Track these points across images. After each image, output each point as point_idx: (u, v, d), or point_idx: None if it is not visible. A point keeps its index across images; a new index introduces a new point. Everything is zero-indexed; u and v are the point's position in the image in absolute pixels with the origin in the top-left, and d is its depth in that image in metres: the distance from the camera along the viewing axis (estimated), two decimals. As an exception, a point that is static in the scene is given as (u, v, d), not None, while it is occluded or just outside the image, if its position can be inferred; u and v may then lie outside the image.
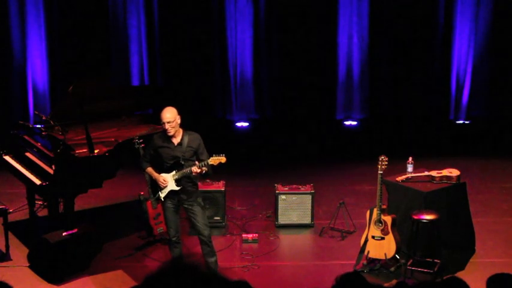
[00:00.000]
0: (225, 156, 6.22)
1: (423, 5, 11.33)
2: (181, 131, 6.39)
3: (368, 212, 6.84)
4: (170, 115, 6.28)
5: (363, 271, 6.80)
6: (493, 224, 8.05)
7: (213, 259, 6.57)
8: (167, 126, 6.27)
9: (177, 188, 6.37)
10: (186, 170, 6.29)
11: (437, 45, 11.45)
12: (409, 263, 6.69)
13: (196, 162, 6.30)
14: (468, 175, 8.19)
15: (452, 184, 7.16)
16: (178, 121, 6.34)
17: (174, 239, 6.52)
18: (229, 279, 3.09)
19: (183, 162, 6.32)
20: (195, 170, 6.24)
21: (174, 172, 6.36)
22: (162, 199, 6.44)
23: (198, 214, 6.46)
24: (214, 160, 6.22)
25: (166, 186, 6.37)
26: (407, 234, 6.83)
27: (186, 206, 6.49)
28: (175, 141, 6.36)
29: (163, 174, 6.39)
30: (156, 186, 6.46)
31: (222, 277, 3.00)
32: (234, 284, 3.20)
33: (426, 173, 7.28)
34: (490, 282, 3.84)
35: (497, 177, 9.63)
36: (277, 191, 7.99)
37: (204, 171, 6.30)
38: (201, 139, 6.45)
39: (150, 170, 6.50)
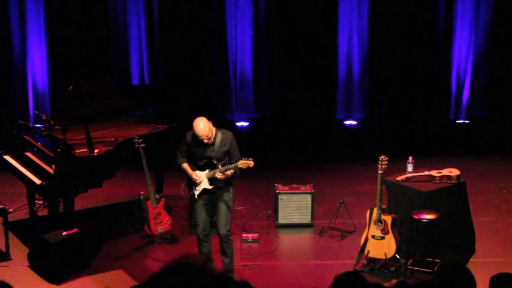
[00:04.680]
0: (253, 161, 6.14)
1: (423, 5, 11.34)
2: (214, 130, 6.30)
3: (368, 212, 6.84)
4: (204, 128, 6.13)
5: (363, 271, 6.80)
6: (493, 223, 8.05)
7: (226, 260, 6.55)
8: (205, 140, 6.17)
9: (210, 187, 6.33)
10: (214, 171, 6.25)
11: (437, 45, 11.46)
12: (409, 263, 6.69)
13: (219, 167, 6.24)
14: (468, 175, 8.18)
15: (453, 184, 7.15)
16: (212, 127, 6.22)
17: (200, 236, 6.47)
18: (231, 279, 3.09)
19: (215, 162, 6.27)
20: (219, 176, 6.23)
21: (207, 171, 6.32)
22: (196, 196, 6.39)
23: (221, 210, 6.40)
24: (243, 164, 6.14)
25: (200, 183, 6.33)
26: (408, 233, 6.83)
27: (214, 201, 6.45)
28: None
29: (197, 172, 6.35)
30: (192, 183, 6.41)
31: (225, 277, 3.01)
32: (236, 284, 3.20)
33: (426, 173, 7.28)
34: (493, 281, 3.83)
35: (497, 177, 9.63)
36: (277, 191, 7.99)
37: (230, 175, 6.27)
38: (233, 138, 6.36)
39: (185, 166, 6.43)
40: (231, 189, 6.50)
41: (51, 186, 6.98)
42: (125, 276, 6.82)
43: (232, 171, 6.25)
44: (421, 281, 6.17)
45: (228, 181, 6.42)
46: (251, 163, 6.13)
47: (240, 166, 6.15)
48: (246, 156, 6.27)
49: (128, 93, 8.23)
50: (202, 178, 6.34)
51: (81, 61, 11.09)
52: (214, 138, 6.26)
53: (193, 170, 6.40)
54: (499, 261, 7.00)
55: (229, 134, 6.36)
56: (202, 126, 6.15)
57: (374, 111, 11.71)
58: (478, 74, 11.42)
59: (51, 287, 6.63)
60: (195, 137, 6.25)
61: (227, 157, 6.34)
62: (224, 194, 6.43)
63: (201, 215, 6.45)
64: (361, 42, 11.48)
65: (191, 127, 6.27)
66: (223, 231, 6.44)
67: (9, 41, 11.07)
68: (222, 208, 6.42)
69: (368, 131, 11.52)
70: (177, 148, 6.53)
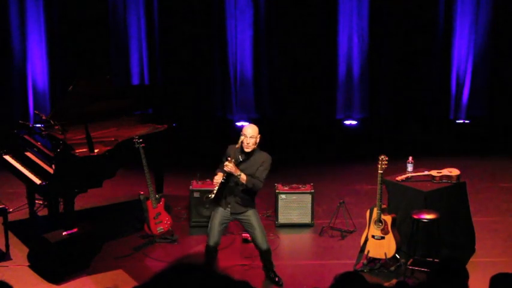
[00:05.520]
0: (230, 162, 6.12)
1: (423, 5, 11.34)
2: (254, 149, 6.30)
3: (368, 212, 6.84)
4: (252, 131, 6.21)
5: (363, 270, 6.80)
6: (492, 223, 8.05)
7: (269, 273, 6.62)
8: (248, 140, 6.18)
9: (222, 180, 6.23)
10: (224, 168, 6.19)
11: (438, 45, 11.46)
12: (409, 263, 6.69)
13: (229, 158, 6.19)
14: (468, 175, 8.18)
15: (452, 183, 7.15)
16: (258, 140, 6.27)
17: (212, 248, 6.43)
18: (233, 279, 3.09)
19: (231, 160, 6.20)
20: (226, 164, 6.13)
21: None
22: (210, 197, 6.31)
23: (254, 227, 6.41)
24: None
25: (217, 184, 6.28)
26: (408, 233, 6.83)
27: (240, 218, 6.43)
28: (242, 157, 6.27)
29: (216, 176, 6.31)
30: (218, 194, 6.33)
31: (227, 277, 3.00)
32: (236, 283, 3.20)
33: (426, 173, 7.28)
34: (493, 281, 3.83)
35: (497, 177, 9.62)
36: (277, 191, 8.00)
37: (238, 175, 6.15)
38: (266, 161, 6.30)
39: (218, 174, 6.36)
40: (254, 208, 6.45)
41: (51, 186, 6.97)
42: (125, 276, 6.82)
43: (244, 176, 6.16)
44: (421, 281, 6.18)
45: (251, 198, 6.38)
46: (228, 164, 6.11)
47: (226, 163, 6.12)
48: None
49: (127, 93, 8.23)
50: (218, 182, 6.28)
51: (81, 61, 11.10)
52: (249, 158, 6.27)
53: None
54: (499, 261, 6.99)
55: (263, 156, 6.33)
56: (252, 127, 6.26)
57: (374, 111, 11.72)
58: (478, 74, 11.42)
59: (51, 287, 6.63)
60: (234, 150, 6.26)
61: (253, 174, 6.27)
62: (245, 212, 6.39)
63: (215, 229, 6.40)
64: (361, 42, 11.48)
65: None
66: (265, 246, 6.49)
67: (9, 41, 11.07)
68: (254, 225, 6.41)
69: (368, 131, 11.52)
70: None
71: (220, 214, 6.39)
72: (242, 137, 6.25)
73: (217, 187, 6.28)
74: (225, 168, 6.17)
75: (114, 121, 8.06)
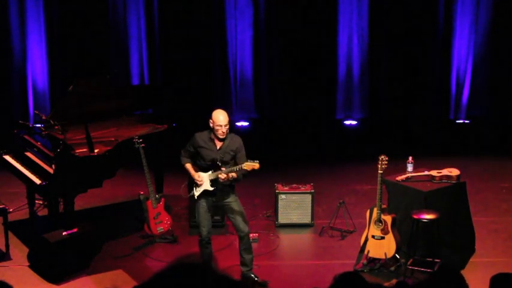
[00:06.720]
0: (258, 163, 6.07)
1: (423, 5, 11.35)
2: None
3: (368, 212, 6.84)
4: (225, 119, 6.21)
5: (363, 271, 6.80)
6: (492, 223, 8.05)
7: (249, 256, 6.59)
8: (223, 129, 6.20)
9: (211, 189, 6.31)
10: (218, 173, 6.23)
11: (437, 45, 11.46)
12: (409, 263, 6.69)
13: (223, 169, 6.22)
14: (468, 175, 8.17)
15: (452, 183, 7.15)
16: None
17: (206, 239, 6.49)
18: (233, 279, 3.09)
19: (220, 164, 6.25)
20: (222, 177, 6.20)
21: (210, 172, 6.31)
22: (196, 197, 6.39)
23: (236, 212, 6.44)
24: (248, 166, 6.08)
25: (202, 185, 6.32)
26: (408, 233, 6.83)
27: (223, 204, 6.47)
28: (218, 143, 6.30)
29: (200, 173, 6.34)
30: (193, 184, 6.42)
31: (227, 277, 3.00)
32: (236, 283, 3.20)
33: (426, 173, 7.28)
34: (493, 281, 3.83)
35: (496, 176, 9.62)
36: (277, 191, 8.00)
37: (231, 178, 6.22)
38: (241, 143, 6.37)
39: (188, 166, 6.44)
40: (235, 194, 6.51)
41: (51, 186, 6.98)
42: (125, 276, 6.82)
43: (235, 174, 6.22)
44: (421, 281, 6.18)
45: (230, 186, 6.42)
46: (256, 165, 6.06)
47: (245, 168, 6.11)
48: (251, 158, 6.24)
49: (127, 93, 8.23)
50: (204, 179, 6.34)
51: (81, 61, 11.10)
52: (223, 142, 6.30)
53: (197, 171, 6.40)
54: (499, 261, 7.00)
55: (238, 139, 6.39)
56: (224, 115, 6.24)
57: (374, 111, 11.72)
58: (478, 74, 11.43)
59: (51, 287, 6.63)
60: (204, 138, 6.32)
61: (233, 162, 6.33)
62: (228, 198, 6.44)
63: (206, 216, 6.46)
64: (361, 42, 11.48)
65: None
66: (244, 231, 6.48)
67: (9, 41, 11.08)
68: (236, 209, 6.45)
69: (368, 131, 11.52)
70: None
71: (204, 203, 6.42)
72: (215, 127, 6.22)
73: (201, 189, 6.33)
74: (221, 182, 6.22)
75: (114, 121, 8.06)
